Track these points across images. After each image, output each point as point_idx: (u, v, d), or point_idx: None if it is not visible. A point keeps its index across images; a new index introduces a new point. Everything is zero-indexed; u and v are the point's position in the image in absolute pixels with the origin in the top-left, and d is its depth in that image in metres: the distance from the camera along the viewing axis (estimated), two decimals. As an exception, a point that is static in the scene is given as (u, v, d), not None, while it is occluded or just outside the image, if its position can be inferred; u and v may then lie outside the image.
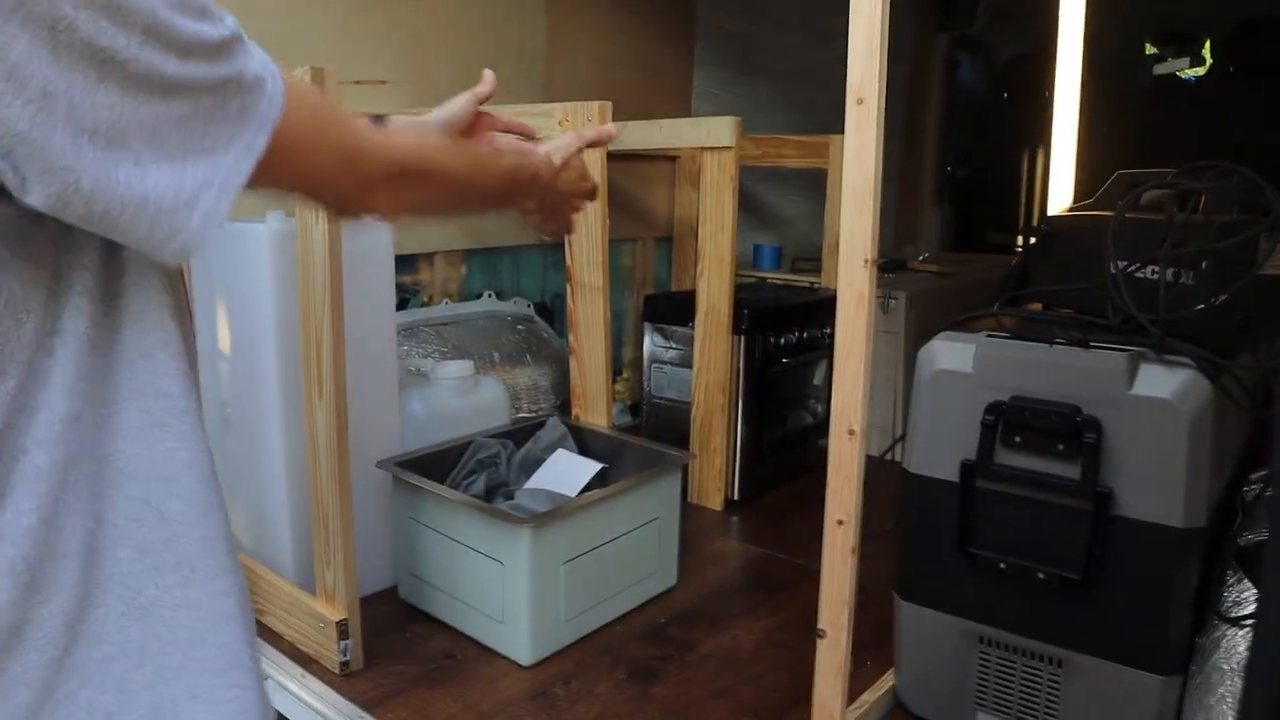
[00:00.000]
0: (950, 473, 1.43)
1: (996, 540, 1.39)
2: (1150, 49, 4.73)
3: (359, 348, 1.85)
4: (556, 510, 1.67)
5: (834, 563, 1.33)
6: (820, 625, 1.37)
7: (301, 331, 1.60)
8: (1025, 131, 5.03)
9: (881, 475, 2.91)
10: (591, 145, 1.24)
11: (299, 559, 1.84)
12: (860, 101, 1.20)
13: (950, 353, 1.43)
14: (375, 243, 1.91)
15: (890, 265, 3.40)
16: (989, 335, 1.42)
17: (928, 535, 1.48)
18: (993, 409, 1.37)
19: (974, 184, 5.31)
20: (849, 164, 1.22)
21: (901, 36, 4.68)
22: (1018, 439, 1.35)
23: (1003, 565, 1.38)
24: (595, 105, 1.94)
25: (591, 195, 1.21)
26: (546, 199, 1.13)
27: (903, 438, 1.56)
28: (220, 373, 1.96)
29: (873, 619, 1.57)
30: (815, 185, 3.99)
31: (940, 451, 1.44)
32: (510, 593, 1.67)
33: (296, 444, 1.75)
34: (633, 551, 1.87)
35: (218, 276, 1.91)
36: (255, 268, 1.78)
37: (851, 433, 1.28)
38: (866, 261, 1.22)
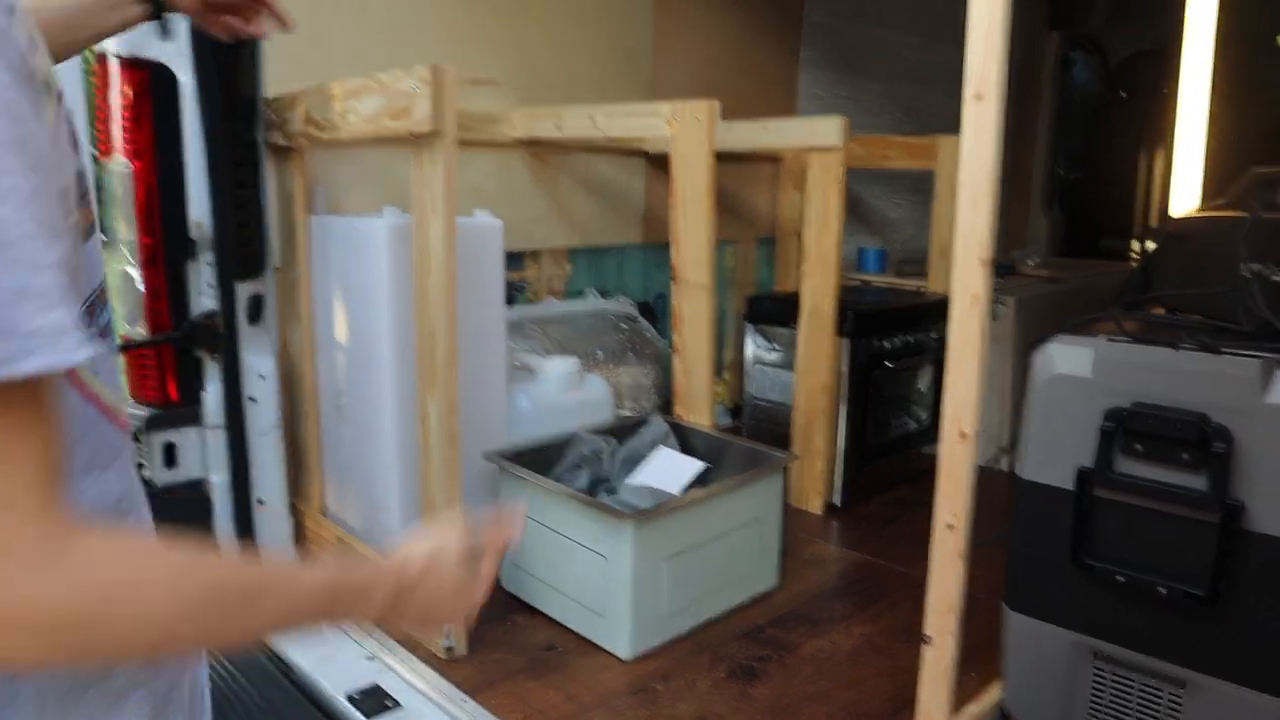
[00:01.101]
0: (1065, 480, 1.38)
1: (1114, 552, 1.35)
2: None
3: (469, 342, 1.90)
4: (660, 506, 1.68)
5: (942, 567, 1.30)
6: (926, 631, 1.35)
7: (416, 325, 1.65)
8: (1143, 131, 4.84)
9: (989, 483, 2.86)
10: (488, 550, 0.83)
11: (407, 546, 1.89)
12: (979, 97, 1.17)
13: (1068, 356, 1.38)
14: (487, 238, 1.95)
15: (1000, 270, 3.32)
16: (1109, 339, 1.38)
17: (1040, 544, 1.44)
18: (1113, 415, 1.32)
19: (1087, 187, 5.13)
20: (965, 161, 1.19)
21: (1012, 34, 4.55)
22: (1139, 447, 1.30)
23: (1121, 578, 1.33)
24: (704, 104, 1.95)
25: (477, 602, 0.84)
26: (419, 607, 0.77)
27: (1014, 446, 1.53)
28: (336, 363, 2.03)
29: (980, 629, 1.54)
30: (921, 188, 3.93)
31: (1055, 458, 1.40)
32: (612, 586, 1.69)
33: (408, 434, 1.80)
34: (734, 551, 1.87)
35: (335, 269, 1.98)
36: (372, 261, 1.84)
37: (963, 435, 1.25)
38: (982, 261, 1.20)
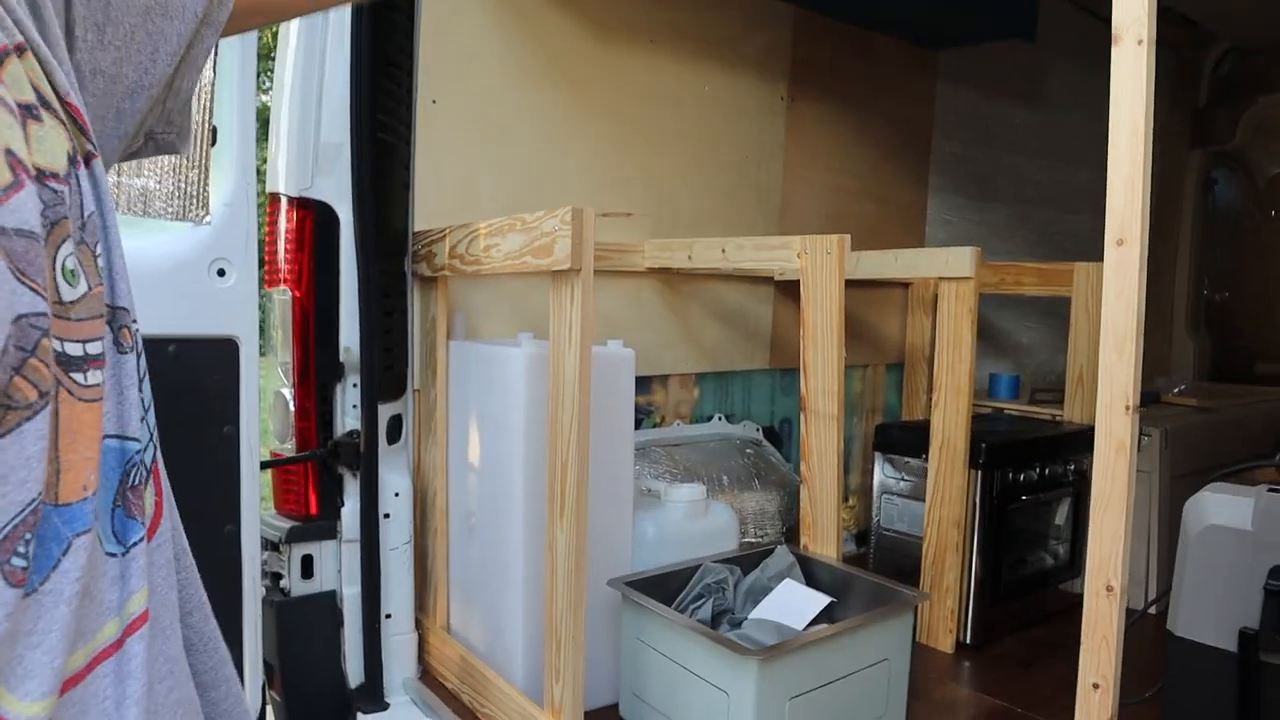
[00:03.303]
0: (1226, 640, 1.30)
1: (1284, 722, 1.25)
2: None
3: (599, 467, 1.93)
4: (785, 644, 1.65)
5: (1090, 731, 1.23)
6: (1073, 799, 1.27)
7: (549, 454, 1.69)
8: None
9: (1134, 631, 2.69)
10: None
11: (529, 668, 1.90)
12: (1122, 242, 1.16)
13: (1224, 506, 1.32)
14: (620, 367, 2.00)
15: (1143, 399, 3.18)
16: (1270, 489, 1.30)
17: (1199, 710, 1.34)
18: (1278, 573, 1.24)
19: (1236, 308, 4.91)
20: (1109, 305, 1.17)
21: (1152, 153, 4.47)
22: (1308, 609, 1.22)
23: (1292, 752, 1.23)
24: (834, 239, 1.97)
25: None
26: None
27: (1163, 595, 1.45)
28: (468, 484, 2.09)
29: (1132, 796, 1.43)
30: (1055, 311, 3.84)
31: (1214, 616, 1.32)
32: (734, 725, 1.65)
33: (535, 557, 1.83)
34: (860, 692, 1.80)
35: (473, 393, 2.06)
36: (508, 388, 1.91)
37: (1110, 589, 1.20)
38: (1128, 408, 1.16)
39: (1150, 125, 1.13)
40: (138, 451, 0.55)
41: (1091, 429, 2.78)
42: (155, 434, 0.58)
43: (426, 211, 2.13)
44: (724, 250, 2.23)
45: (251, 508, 1.74)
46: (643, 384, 2.63)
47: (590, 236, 1.58)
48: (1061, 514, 2.72)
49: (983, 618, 2.44)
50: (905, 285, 3.28)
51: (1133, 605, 2.83)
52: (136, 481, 0.54)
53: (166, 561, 0.57)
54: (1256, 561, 1.26)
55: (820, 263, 2.00)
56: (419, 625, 2.20)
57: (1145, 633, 2.67)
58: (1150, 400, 3.23)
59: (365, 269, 2.00)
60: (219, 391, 1.68)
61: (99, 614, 0.51)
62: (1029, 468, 2.51)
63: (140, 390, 0.56)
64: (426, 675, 2.17)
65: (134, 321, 0.56)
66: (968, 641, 2.45)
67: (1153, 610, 2.79)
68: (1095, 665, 1.22)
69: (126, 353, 0.55)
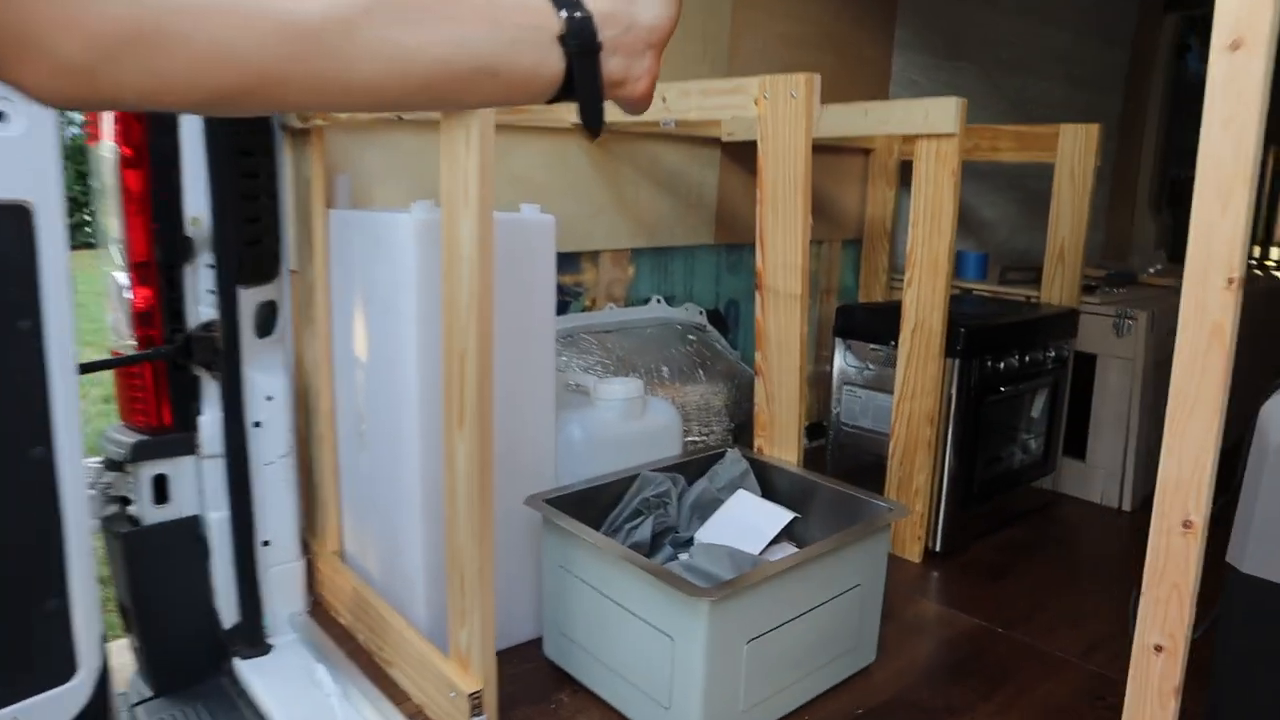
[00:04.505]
0: (1312, 580, 1.01)
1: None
2: None
3: (513, 358, 1.58)
4: (742, 579, 1.34)
5: (1147, 706, 0.94)
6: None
7: (444, 345, 1.33)
8: (1268, 127, 4.36)
9: (1111, 529, 2.48)
10: None
11: (432, 602, 1.58)
12: (1236, 46, 0.81)
13: (1316, 411, 1.01)
14: (536, 237, 1.63)
15: (1117, 278, 2.91)
16: (1378, 389, 1.00)
17: (1268, 662, 1.07)
18: (1388, 496, 0.95)
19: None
20: (1213, 140, 0.83)
21: (1121, 17, 4.12)
22: None
23: (1395, 721, 0.96)
24: (801, 78, 1.60)
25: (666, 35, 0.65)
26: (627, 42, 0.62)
27: (1222, 512, 1.15)
28: (356, 382, 1.72)
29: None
30: (1019, 185, 3.52)
31: (1294, 548, 1.03)
32: (681, 674, 1.35)
33: (435, 471, 1.49)
34: (828, 626, 1.52)
35: (358, 274, 1.67)
36: (396, 264, 1.53)
37: (1188, 525, 0.89)
38: (1231, 281, 0.83)
39: None
40: None
41: (1073, 311, 2.51)
42: None
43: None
44: (665, 98, 1.84)
45: (69, 425, 1.35)
46: (569, 261, 2.25)
47: (490, 59, 1.19)
48: (1038, 406, 2.45)
49: (954, 523, 2.18)
50: (866, 153, 2.92)
51: (1107, 502, 2.61)
52: None
53: None
54: (1358, 481, 0.96)
55: (784, 109, 1.62)
56: (308, 551, 1.86)
57: (1122, 532, 2.46)
58: (1128, 280, 2.96)
59: (214, 118, 1.57)
60: (7, 276, 1.28)
61: None
62: (1008, 355, 2.22)
63: None
64: (318, 608, 1.84)
65: None
66: (937, 549, 2.19)
67: (1127, 508, 2.58)
68: (1161, 621, 0.92)
69: None
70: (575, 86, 0.59)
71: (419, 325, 1.49)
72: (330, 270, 1.75)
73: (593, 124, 0.61)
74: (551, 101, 0.60)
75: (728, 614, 1.32)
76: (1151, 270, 3.15)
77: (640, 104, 0.64)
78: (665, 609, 1.35)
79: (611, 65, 0.60)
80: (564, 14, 0.57)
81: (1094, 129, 2.45)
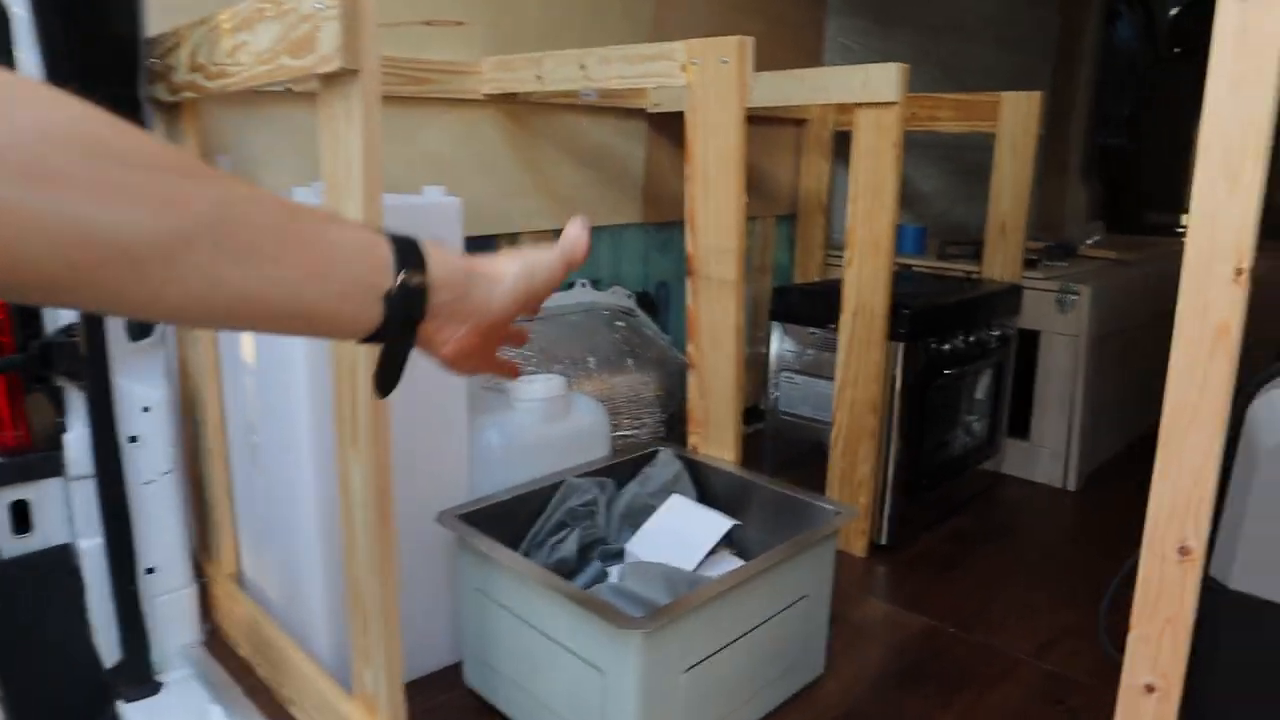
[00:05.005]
0: (1307, 598, 0.91)
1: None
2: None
3: (417, 359, 1.41)
4: (678, 603, 1.20)
5: (1141, 754, 0.83)
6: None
7: (332, 354, 1.16)
8: (1197, 94, 4.34)
9: (1060, 510, 2.40)
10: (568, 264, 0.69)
11: (336, 638, 1.41)
12: (1245, -7, 0.68)
13: (1314, 410, 0.90)
14: (441, 222, 1.46)
15: (1057, 251, 2.83)
16: (1382, 384, 0.89)
17: (1260, 685, 0.96)
18: (1397, 506, 0.84)
19: (1130, 155, 4.63)
20: (1219, 105, 0.70)
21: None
22: None
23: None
24: (733, 41, 1.45)
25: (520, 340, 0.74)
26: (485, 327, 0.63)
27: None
28: (245, 389, 1.54)
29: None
30: (955, 156, 3.43)
31: (1290, 563, 0.92)
32: (614, 709, 1.21)
33: (335, 491, 1.32)
34: (773, 642, 1.40)
35: (240, 267, 1.48)
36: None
37: (1185, 552, 0.77)
38: (1240, 273, 0.71)
39: None
40: None
41: (1017, 288, 2.42)
42: None
43: (166, 5, 1.49)
44: (583, 66, 1.68)
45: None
46: (483, 244, 2.08)
47: (372, 20, 1.01)
48: (982, 386, 2.36)
49: (900, 515, 2.07)
50: (800, 123, 2.79)
51: (1051, 482, 2.55)
52: None
53: None
54: (1364, 489, 0.85)
55: (714, 76, 1.47)
56: (202, 575, 1.68)
57: (1068, 514, 2.38)
58: (1068, 253, 2.89)
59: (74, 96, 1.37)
60: None
61: None
62: (953, 337, 2.12)
63: None
64: (215, 638, 1.66)
65: None
66: (884, 542, 2.09)
67: (1072, 488, 2.51)
68: (1153, 660, 0.81)
69: None
70: (384, 344, 0.57)
71: (308, 326, 1.32)
72: (212, 263, 1.56)
73: (385, 387, 0.61)
74: (359, 341, 0.57)
75: (663, 643, 1.18)
76: (1090, 241, 3.08)
77: (441, 363, 0.63)
78: (593, 640, 1.20)
79: (426, 326, 0.58)
80: (400, 277, 0.54)
81: (1036, 97, 2.35)
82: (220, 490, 1.66)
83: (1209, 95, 0.71)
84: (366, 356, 1.09)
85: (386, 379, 0.61)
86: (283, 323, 0.52)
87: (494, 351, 0.67)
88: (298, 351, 1.33)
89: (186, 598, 1.61)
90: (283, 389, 1.39)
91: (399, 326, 0.56)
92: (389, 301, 0.54)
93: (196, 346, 1.60)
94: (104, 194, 0.41)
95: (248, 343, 1.49)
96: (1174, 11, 4.57)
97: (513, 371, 0.73)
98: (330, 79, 1.05)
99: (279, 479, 1.47)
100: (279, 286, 0.49)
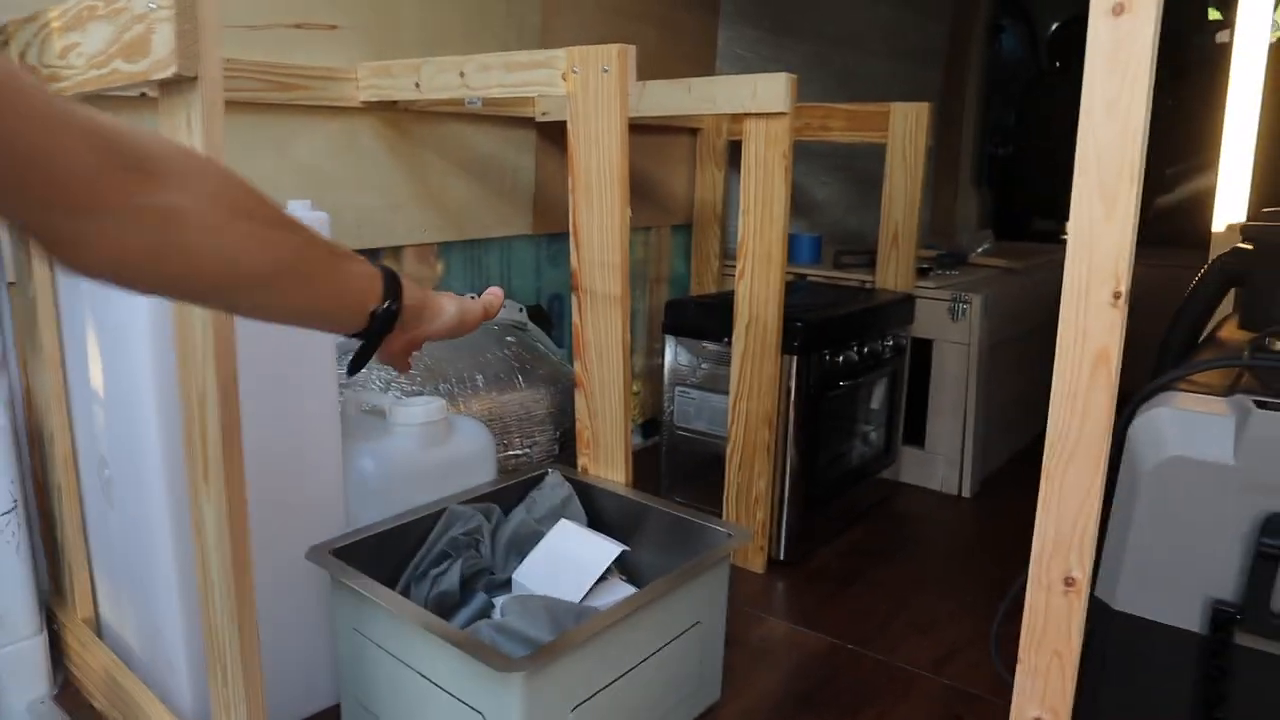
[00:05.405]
0: (1190, 619, 0.90)
1: (1270, 731, 0.87)
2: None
3: (282, 384, 1.32)
4: (560, 641, 1.14)
5: (1030, 794, 0.80)
6: None
7: (180, 384, 1.06)
8: (1077, 107, 4.47)
9: (956, 517, 2.42)
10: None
11: (198, 689, 1.31)
12: (1119, 10, 0.66)
13: (1193, 430, 0.90)
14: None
15: (949, 259, 2.87)
16: (1258, 402, 0.89)
17: (1139, 706, 0.95)
18: (1274, 526, 0.84)
19: (1018, 163, 4.76)
20: (1096, 126, 0.68)
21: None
22: (1320, 578, 0.83)
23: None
24: (614, 49, 1.40)
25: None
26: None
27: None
28: (95, 420, 1.42)
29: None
30: (848, 165, 3.46)
31: (1172, 584, 0.91)
32: (494, 756, 1.14)
33: (190, 531, 1.22)
34: (665, 673, 1.35)
35: (86, 289, 1.37)
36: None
37: (1070, 583, 0.75)
38: (1118, 296, 0.69)
39: None
40: None
41: (910, 297, 2.43)
42: None
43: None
44: (463, 73, 1.61)
45: None
46: (366, 257, 1.98)
47: (214, 20, 0.93)
48: (877, 396, 2.36)
49: (798, 528, 2.05)
50: (694, 132, 2.77)
51: (947, 489, 2.57)
52: None
53: None
54: (1241, 510, 0.85)
55: (595, 85, 1.42)
56: (54, 622, 1.55)
57: (964, 522, 2.40)
58: (959, 261, 2.93)
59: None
60: None
61: None
62: (848, 348, 2.11)
63: None
64: (68, 691, 1.53)
65: None
66: (781, 557, 2.06)
67: (967, 494, 2.53)
68: (1041, 693, 0.78)
69: None
70: (364, 341, 0.79)
71: (155, 352, 1.22)
72: (57, 283, 1.44)
73: (355, 370, 0.86)
74: (348, 335, 0.79)
75: (546, 682, 1.12)
76: (980, 250, 3.13)
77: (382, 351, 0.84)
78: (473, 682, 1.13)
79: (390, 333, 0.81)
80: (386, 304, 0.78)
81: (925, 108, 2.37)
82: (73, 529, 1.53)
83: (1084, 118, 0.68)
84: (215, 384, 1.01)
85: (357, 366, 0.84)
86: (303, 321, 0.75)
87: (410, 354, 0.89)
88: (147, 380, 1.23)
89: (34, 648, 1.48)
90: (133, 420, 1.29)
91: (376, 333, 0.79)
92: (374, 317, 0.77)
93: (42, 374, 1.48)
94: (241, 240, 0.62)
95: (95, 370, 1.37)
96: (1054, 26, 4.72)
97: (407, 368, 0.92)
98: (168, 86, 0.96)
99: (134, 517, 1.36)
100: (315, 302, 0.73)
